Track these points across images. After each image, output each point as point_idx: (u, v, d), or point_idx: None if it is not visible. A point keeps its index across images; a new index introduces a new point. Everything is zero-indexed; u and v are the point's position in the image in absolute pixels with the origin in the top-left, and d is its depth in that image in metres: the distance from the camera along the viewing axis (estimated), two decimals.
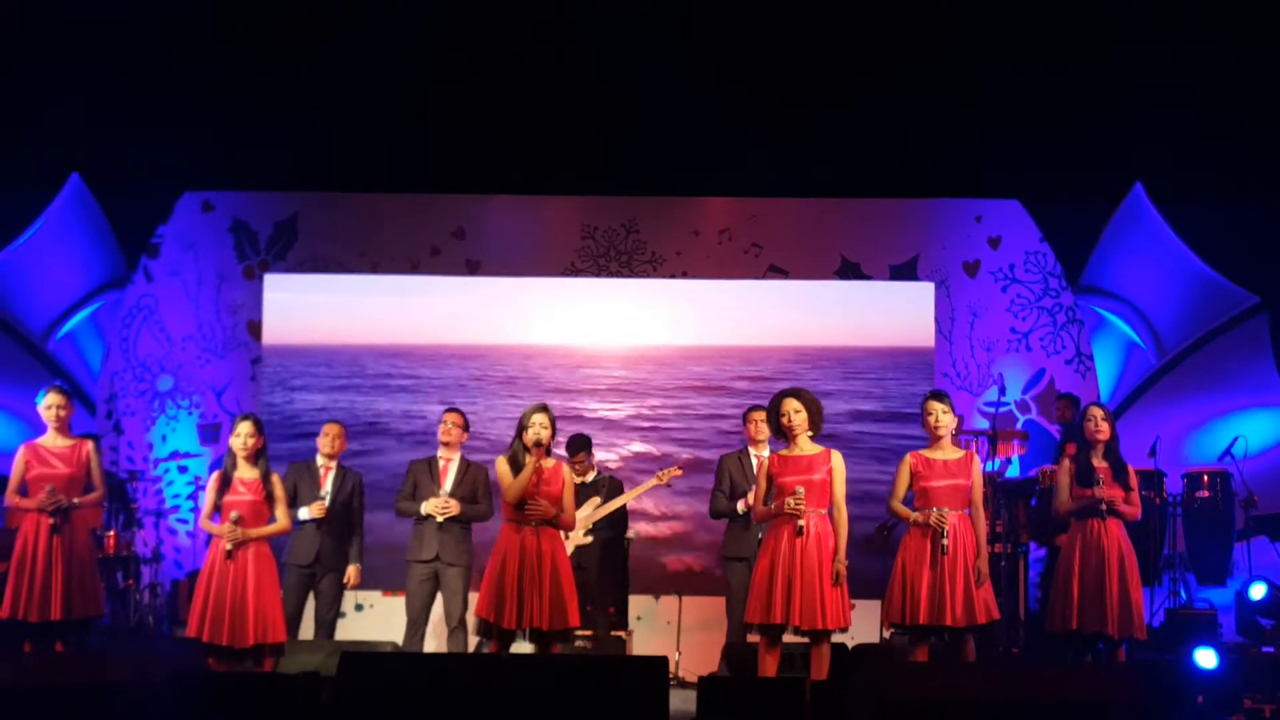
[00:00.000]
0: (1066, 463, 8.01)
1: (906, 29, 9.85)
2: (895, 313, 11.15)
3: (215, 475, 7.75)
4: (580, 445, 9.38)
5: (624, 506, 9.43)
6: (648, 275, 11.16)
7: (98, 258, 11.11)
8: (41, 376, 10.14)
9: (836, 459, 7.24)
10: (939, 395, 7.46)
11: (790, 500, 7.07)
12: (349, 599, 9.47)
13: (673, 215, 11.26)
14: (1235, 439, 10.06)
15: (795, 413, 7.21)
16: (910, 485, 7.35)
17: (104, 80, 9.99)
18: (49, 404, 7.93)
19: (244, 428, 7.70)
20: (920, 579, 7.17)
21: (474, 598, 7.60)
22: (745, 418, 8.76)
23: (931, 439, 7.39)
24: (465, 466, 8.66)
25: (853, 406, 11.00)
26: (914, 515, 7.29)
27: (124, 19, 9.61)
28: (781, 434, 7.31)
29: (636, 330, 11.20)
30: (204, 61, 9.95)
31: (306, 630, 8.76)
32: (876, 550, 9.39)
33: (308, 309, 11.21)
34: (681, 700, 7.67)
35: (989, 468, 9.65)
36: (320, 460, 8.76)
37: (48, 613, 7.63)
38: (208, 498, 7.73)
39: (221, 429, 10.89)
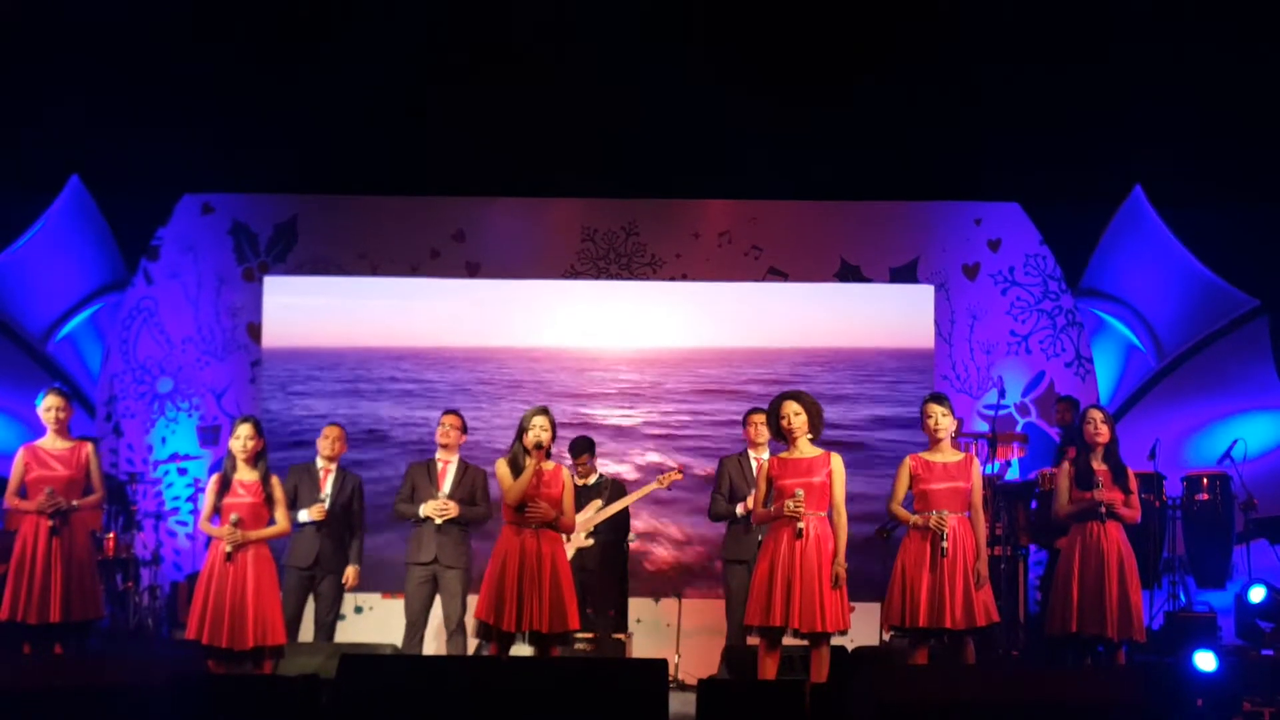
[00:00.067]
0: (1066, 465, 8.02)
1: (906, 29, 9.84)
2: (895, 315, 11.16)
3: (215, 478, 7.76)
4: (583, 447, 9.38)
5: (626, 510, 9.43)
6: (647, 278, 11.16)
7: (97, 260, 11.10)
8: (41, 379, 10.14)
9: (836, 462, 7.24)
10: (938, 398, 7.46)
11: (790, 503, 7.07)
12: (348, 601, 9.47)
13: (672, 217, 11.26)
14: (1235, 442, 10.06)
15: (795, 415, 7.22)
16: (910, 488, 7.35)
17: (103, 82, 9.98)
18: (48, 406, 7.93)
19: (243, 430, 7.71)
20: (920, 582, 7.18)
21: (473, 600, 7.60)
22: (745, 420, 8.76)
23: (931, 442, 7.40)
24: (464, 468, 8.66)
25: (872, 412, 10.97)
26: (913, 518, 7.29)
27: (123, 20, 9.60)
28: (781, 436, 7.31)
29: (645, 332, 11.17)
30: (203, 63, 9.94)
31: (306, 633, 8.76)
32: (875, 551, 9.38)
33: (307, 311, 11.20)
34: (681, 703, 7.67)
35: (988, 470, 9.64)
36: (320, 463, 8.77)
37: (47, 615, 7.64)
38: (207, 500, 7.73)
39: (221, 431, 10.89)
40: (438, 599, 8.57)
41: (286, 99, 10.25)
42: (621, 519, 9.40)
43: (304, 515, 8.50)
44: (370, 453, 10.75)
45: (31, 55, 9.89)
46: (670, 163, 10.64)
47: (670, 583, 10.57)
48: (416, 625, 8.54)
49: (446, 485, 8.58)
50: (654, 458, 10.67)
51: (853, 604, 7.28)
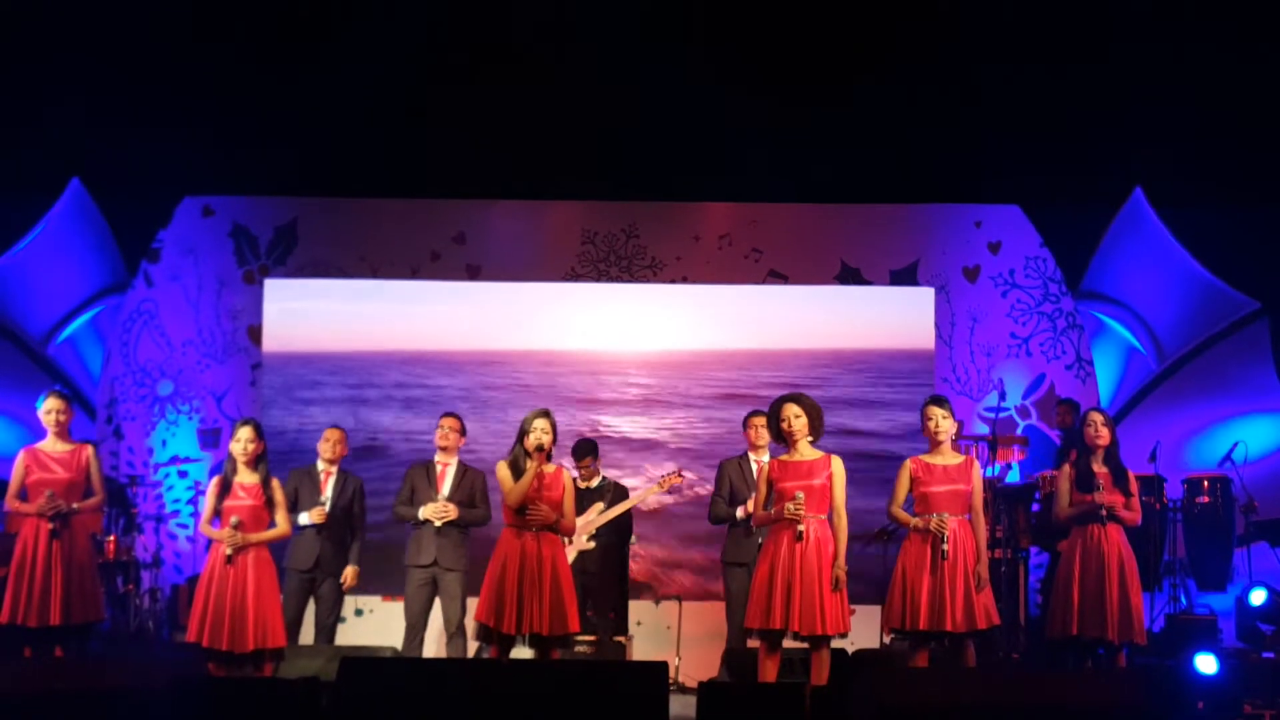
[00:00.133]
0: (1067, 468, 8.01)
1: (906, 29, 9.84)
2: (895, 318, 11.16)
3: (215, 480, 7.76)
4: (586, 450, 9.39)
5: (629, 513, 9.43)
6: (648, 280, 11.16)
7: (98, 262, 11.11)
8: (41, 381, 10.13)
9: (836, 464, 7.25)
10: (939, 400, 7.46)
11: (790, 505, 7.07)
12: (349, 604, 9.47)
13: (673, 220, 11.25)
14: (1235, 444, 10.07)
15: (795, 418, 7.22)
16: (910, 490, 7.35)
17: (103, 83, 9.98)
18: (49, 409, 7.93)
19: (244, 433, 7.71)
20: (920, 584, 7.18)
21: (472, 602, 7.61)
22: (745, 423, 8.75)
23: (931, 444, 7.40)
24: (462, 471, 8.66)
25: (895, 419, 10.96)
26: (914, 521, 7.29)
27: (123, 20, 9.61)
28: (782, 439, 7.32)
29: (649, 335, 11.17)
30: (203, 66, 9.95)
31: (306, 635, 8.75)
32: (876, 550, 9.38)
33: (308, 314, 11.20)
34: (681, 705, 7.67)
35: (989, 473, 9.64)
36: (321, 465, 8.77)
37: (47, 618, 7.63)
38: (208, 503, 7.73)
39: (221, 434, 10.89)
40: (437, 601, 8.56)
41: (286, 101, 10.26)
42: (624, 522, 9.40)
43: (304, 518, 8.50)
44: (372, 462, 10.75)
45: (31, 55, 9.90)
46: (670, 165, 10.64)
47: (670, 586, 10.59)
48: (416, 628, 8.54)
49: (446, 488, 8.58)
50: (672, 466, 10.60)
51: (853, 606, 7.29)
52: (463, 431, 8.74)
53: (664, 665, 6.26)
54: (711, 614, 9.50)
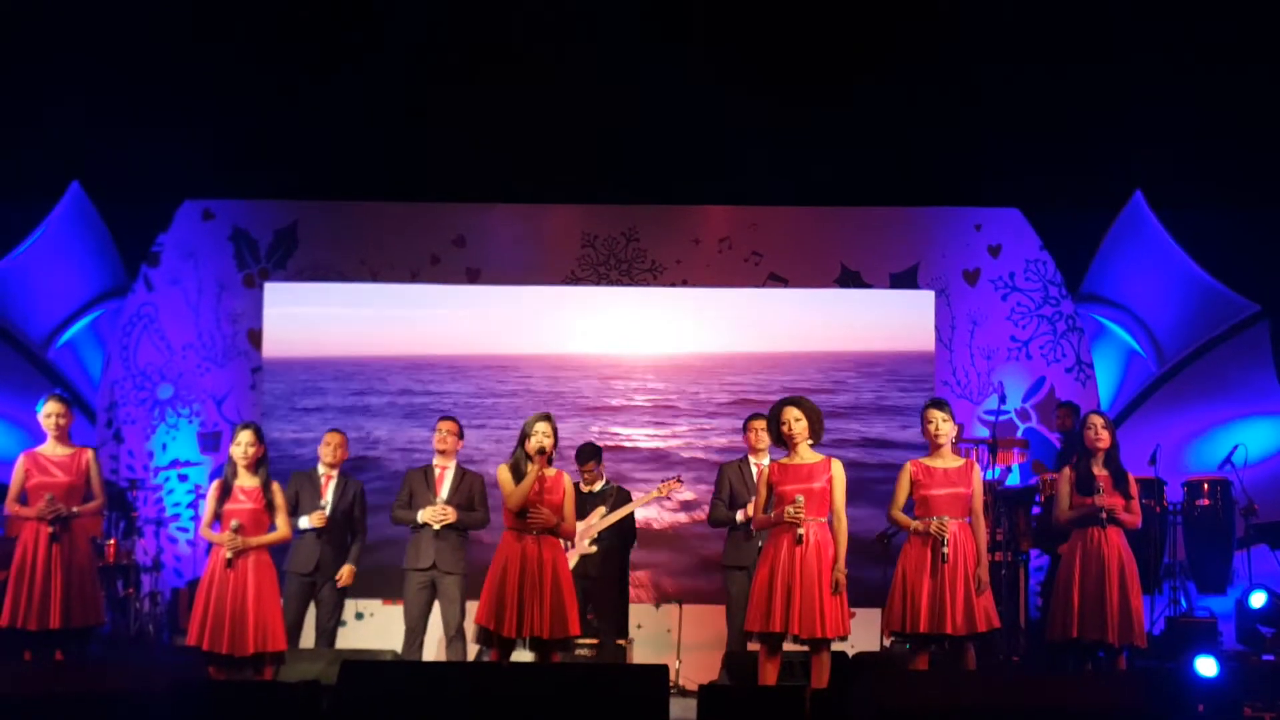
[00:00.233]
0: (1067, 471, 8.01)
1: (906, 29, 9.84)
2: (895, 320, 11.17)
3: (215, 484, 7.75)
4: (589, 454, 9.39)
5: (631, 517, 9.42)
6: (648, 284, 11.16)
7: (98, 266, 11.11)
8: (41, 385, 10.14)
9: (836, 467, 7.25)
10: (939, 403, 7.46)
11: (790, 509, 7.07)
12: (349, 607, 9.46)
13: (673, 223, 11.26)
14: (1235, 447, 10.08)
15: (795, 421, 7.23)
16: (910, 494, 7.35)
17: (103, 84, 9.99)
18: (49, 412, 7.93)
19: (244, 436, 7.71)
20: (920, 587, 7.17)
21: (471, 606, 7.60)
22: (746, 426, 8.75)
23: (931, 447, 7.40)
24: (461, 474, 8.67)
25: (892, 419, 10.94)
26: (914, 524, 7.29)
27: (123, 22, 9.61)
28: (782, 442, 7.32)
29: (652, 339, 11.19)
30: (203, 69, 9.95)
31: (307, 639, 8.74)
32: (876, 559, 9.37)
33: (309, 318, 11.20)
34: (682, 709, 7.66)
35: (989, 476, 9.64)
36: (321, 469, 8.76)
37: (47, 621, 7.63)
38: (208, 506, 7.73)
39: (222, 437, 10.89)
40: (437, 605, 8.56)
41: (286, 104, 10.26)
42: (626, 526, 9.39)
43: (304, 522, 8.49)
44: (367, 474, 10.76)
45: (31, 55, 9.90)
46: (670, 168, 10.64)
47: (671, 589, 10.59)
48: (416, 631, 8.54)
49: (444, 491, 8.58)
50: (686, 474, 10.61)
51: (853, 610, 7.28)
52: (460, 435, 8.74)
53: (664, 668, 6.25)
54: (712, 617, 9.49)
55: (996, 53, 9.91)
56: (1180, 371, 10.87)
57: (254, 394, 11.12)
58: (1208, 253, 10.65)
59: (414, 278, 11.20)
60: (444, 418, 8.83)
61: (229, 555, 7.48)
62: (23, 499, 7.81)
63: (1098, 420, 7.95)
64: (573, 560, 8.69)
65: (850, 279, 11.13)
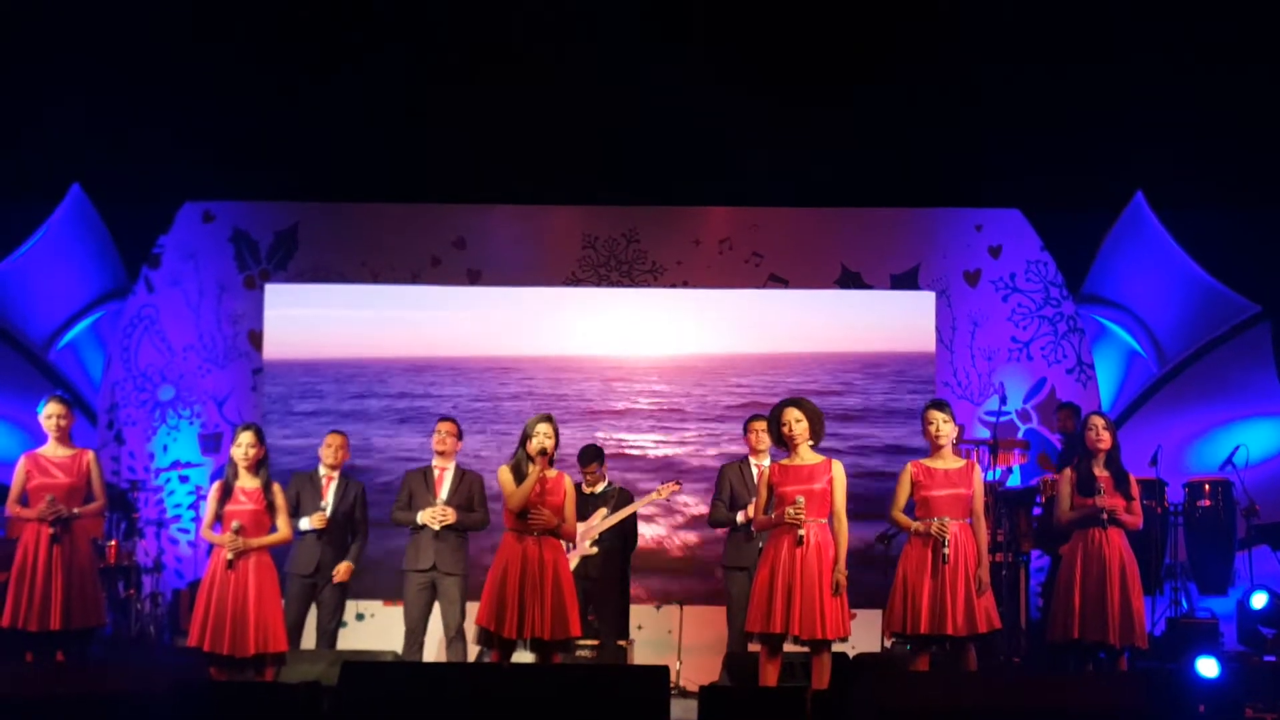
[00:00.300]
0: (1068, 472, 8.01)
1: (906, 29, 9.84)
2: (896, 321, 11.16)
3: (216, 485, 7.75)
4: (591, 456, 9.38)
5: (633, 519, 9.42)
6: (648, 285, 11.17)
7: (99, 268, 11.11)
8: (42, 386, 10.15)
9: (837, 468, 7.25)
10: (940, 404, 7.46)
11: (790, 510, 7.07)
12: (350, 608, 9.45)
13: (673, 224, 11.26)
14: (1236, 448, 10.07)
15: (796, 422, 7.23)
16: (911, 494, 7.35)
17: (103, 85, 9.98)
18: (49, 414, 7.93)
19: (245, 438, 7.71)
20: (921, 588, 7.17)
21: (471, 607, 7.60)
22: (746, 427, 8.75)
23: (932, 448, 7.40)
24: (460, 475, 8.67)
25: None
26: (915, 525, 7.29)
27: (123, 23, 9.61)
28: (782, 443, 7.32)
29: (662, 340, 11.19)
30: (203, 70, 9.95)
31: (308, 640, 8.74)
32: (877, 560, 9.37)
33: (309, 319, 11.20)
34: (682, 710, 7.66)
35: (990, 477, 9.64)
36: (322, 470, 8.76)
37: (48, 623, 7.63)
38: (209, 507, 7.73)
39: (223, 439, 10.90)
40: (437, 606, 8.56)
41: (286, 105, 10.26)
42: (627, 527, 9.39)
43: (305, 523, 8.48)
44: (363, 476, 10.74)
45: (31, 55, 9.90)
46: (670, 168, 10.63)
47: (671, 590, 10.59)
48: (416, 632, 8.54)
49: (444, 492, 8.58)
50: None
51: (853, 611, 7.28)
52: (460, 436, 8.75)
53: (665, 669, 6.25)
54: (712, 618, 9.49)
55: (996, 53, 9.90)
56: (1181, 372, 10.87)
57: (254, 395, 11.12)
58: (1208, 253, 10.65)
59: (414, 279, 11.20)
60: (443, 419, 8.85)
61: (230, 556, 7.48)
62: (24, 500, 7.81)
63: (1099, 421, 7.95)
64: (574, 561, 8.69)
65: (851, 280, 11.12)
